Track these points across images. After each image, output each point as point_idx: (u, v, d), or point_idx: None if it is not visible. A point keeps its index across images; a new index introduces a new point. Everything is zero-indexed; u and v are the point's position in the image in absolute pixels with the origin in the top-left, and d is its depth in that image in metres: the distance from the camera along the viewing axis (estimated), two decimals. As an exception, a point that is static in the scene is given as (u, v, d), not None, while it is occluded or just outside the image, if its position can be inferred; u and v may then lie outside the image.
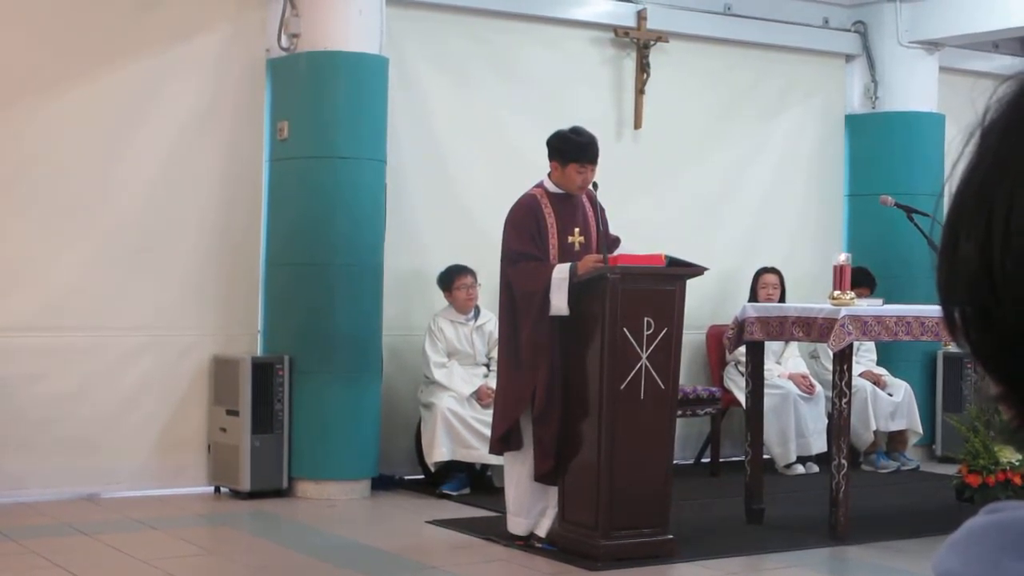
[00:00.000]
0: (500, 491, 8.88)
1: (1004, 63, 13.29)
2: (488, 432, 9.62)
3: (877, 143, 12.91)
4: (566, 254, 8.21)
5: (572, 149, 8.29)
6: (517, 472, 8.39)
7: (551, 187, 8.37)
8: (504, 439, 8.34)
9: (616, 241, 8.51)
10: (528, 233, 8.24)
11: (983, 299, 1.01)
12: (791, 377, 11.60)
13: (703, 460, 11.85)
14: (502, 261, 8.37)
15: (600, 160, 8.43)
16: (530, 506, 8.40)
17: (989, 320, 1.01)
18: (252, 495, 9.91)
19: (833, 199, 13.08)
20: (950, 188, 1.04)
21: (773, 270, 11.81)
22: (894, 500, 10.43)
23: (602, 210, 8.46)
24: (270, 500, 9.91)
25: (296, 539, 8.78)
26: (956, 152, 1.04)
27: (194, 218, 10.17)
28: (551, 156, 8.38)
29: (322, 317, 10.02)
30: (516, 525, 8.47)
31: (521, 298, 8.21)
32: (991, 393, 1.05)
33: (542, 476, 8.25)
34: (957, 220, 1.03)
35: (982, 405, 9.37)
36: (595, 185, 8.32)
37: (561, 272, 8.00)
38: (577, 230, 8.33)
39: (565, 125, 8.56)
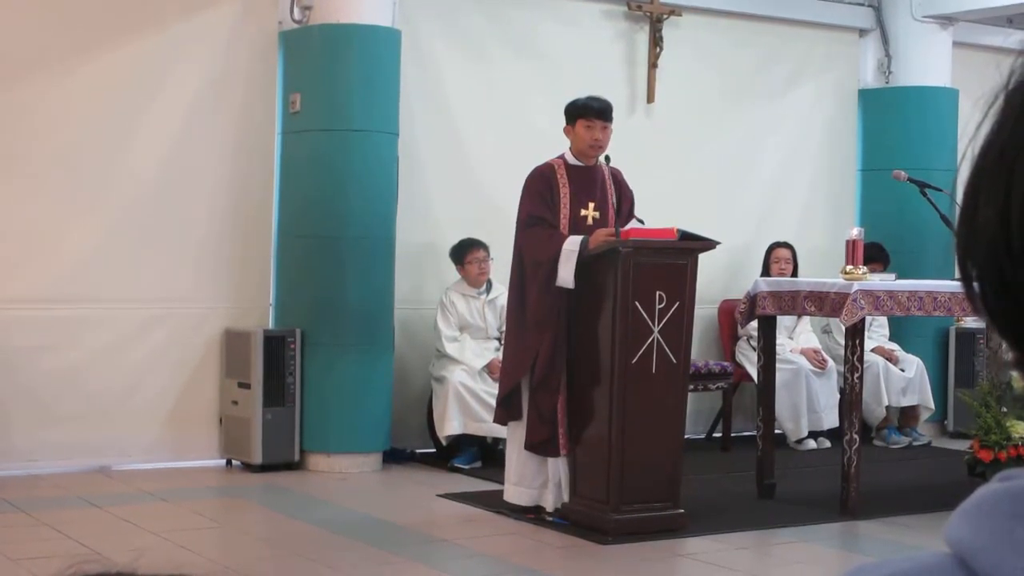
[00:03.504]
0: (511, 464, 8.90)
1: (1018, 38, 13.23)
2: (500, 406, 9.66)
3: (890, 118, 12.88)
4: (577, 226, 8.20)
5: (578, 107, 8.35)
6: (518, 442, 8.40)
7: (571, 159, 8.39)
8: (505, 406, 8.36)
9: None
10: (541, 198, 8.26)
11: (1001, 264, 1.00)
12: (803, 352, 11.60)
13: (715, 435, 11.85)
14: (516, 224, 8.38)
15: (613, 133, 8.43)
16: (532, 477, 8.41)
17: (1007, 286, 1.00)
18: (263, 468, 9.93)
19: (846, 174, 13.06)
20: (972, 151, 1.03)
21: (785, 245, 11.80)
22: (905, 476, 10.43)
23: (630, 191, 8.50)
24: (281, 473, 9.92)
25: (307, 512, 8.79)
26: (980, 115, 1.03)
27: (206, 191, 10.17)
28: (566, 121, 8.41)
29: (334, 290, 10.02)
30: (516, 495, 8.48)
31: (530, 264, 8.24)
32: (1007, 359, 1.04)
33: (534, 446, 8.26)
34: (978, 184, 1.02)
35: (994, 380, 9.36)
36: (607, 158, 8.31)
37: (572, 244, 8.00)
38: (592, 204, 8.32)
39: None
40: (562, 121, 8.48)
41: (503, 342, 8.81)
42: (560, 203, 8.26)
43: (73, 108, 9.76)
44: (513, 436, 8.49)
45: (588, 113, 8.30)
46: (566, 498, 8.32)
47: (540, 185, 8.31)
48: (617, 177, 8.51)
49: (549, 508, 8.39)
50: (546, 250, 8.11)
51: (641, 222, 8.44)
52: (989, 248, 1.00)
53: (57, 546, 7.57)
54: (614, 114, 8.55)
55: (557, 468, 8.33)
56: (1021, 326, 1.01)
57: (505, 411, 8.42)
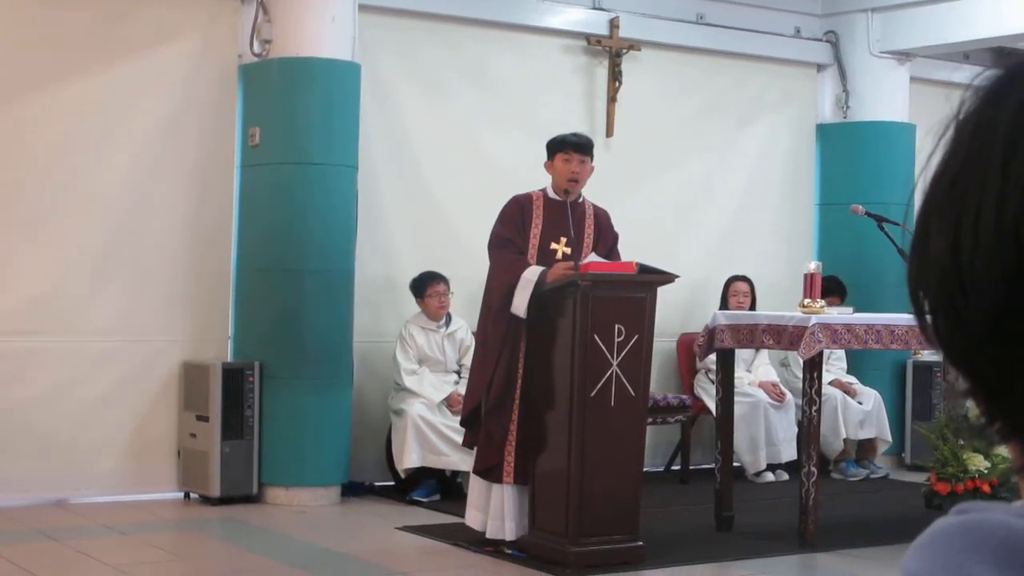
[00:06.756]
0: (470, 497, 8.88)
1: (974, 73, 13.25)
2: (458, 439, 9.66)
3: (848, 152, 12.94)
4: (546, 259, 8.24)
5: (557, 141, 8.43)
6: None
7: (550, 192, 8.46)
8: (469, 425, 8.39)
9: None
10: (512, 223, 8.33)
11: (952, 296, 1.01)
12: (761, 385, 11.62)
13: (673, 468, 11.86)
14: (488, 245, 8.41)
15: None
16: (479, 500, 8.43)
17: (958, 318, 1.02)
18: (222, 501, 9.89)
19: (804, 208, 13.11)
20: (924, 181, 1.05)
21: (744, 278, 11.83)
22: (863, 508, 10.46)
23: (613, 233, 8.54)
24: (240, 506, 9.88)
25: (266, 545, 8.76)
26: (931, 145, 1.04)
27: (166, 224, 10.15)
28: (547, 156, 8.47)
29: (293, 323, 10.00)
30: (471, 517, 8.50)
31: (492, 286, 8.28)
32: (960, 389, 1.05)
33: (483, 471, 8.28)
34: (929, 215, 1.04)
35: (951, 413, 9.41)
36: (567, 192, 8.34)
37: (531, 274, 8.04)
38: (564, 240, 8.35)
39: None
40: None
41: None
42: (530, 233, 8.30)
43: (33, 141, 9.73)
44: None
45: (565, 146, 8.37)
46: (524, 530, 8.31)
47: (514, 211, 8.39)
48: (601, 217, 8.56)
49: (489, 535, 8.37)
50: (507, 275, 8.15)
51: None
52: (940, 280, 1.02)
53: (14, 580, 7.54)
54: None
55: (503, 497, 8.31)
56: (974, 357, 1.03)
57: (469, 434, 8.46)
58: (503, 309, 8.13)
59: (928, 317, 1.05)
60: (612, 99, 11.87)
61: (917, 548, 1.03)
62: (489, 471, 8.27)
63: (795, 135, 13.06)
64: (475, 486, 8.47)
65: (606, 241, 8.53)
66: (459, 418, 8.96)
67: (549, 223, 8.36)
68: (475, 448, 8.50)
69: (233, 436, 9.92)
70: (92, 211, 9.89)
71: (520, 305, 8.04)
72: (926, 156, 1.05)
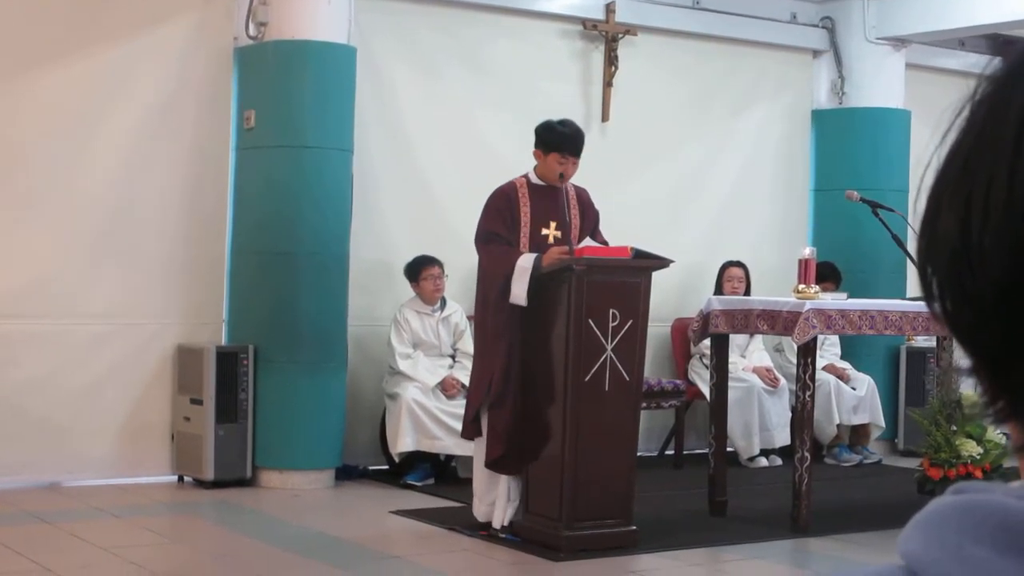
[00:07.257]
0: (464, 481, 8.90)
1: (970, 61, 13.33)
2: (452, 423, 9.68)
3: (843, 138, 12.94)
4: (538, 245, 8.22)
5: (555, 139, 8.32)
6: (480, 458, 8.45)
7: (534, 178, 8.42)
8: (475, 422, 8.38)
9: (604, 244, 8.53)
10: (500, 216, 8.29)
11: (960, 273, 1.01)
12: (755, 370, 11.63)
13: (667, 452, 11.87)
14: (475, 241, 8.38)
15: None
16: (485, 493, 8.43)
17: (966, 295, 1.01)
18: (216, 484, 9.89)
19: (799, 193, 13.11)
20: (938, 159, 1.05)
21: (738, 264, 11.84)
22: (856, 493, 10.47)
23: (595, 211, 8.53)
24: (234, 489, 9.89)
25: (260, 529, 8.76)
26: (945, 124, 1.04)
27: (160, 207, 10.14)
28: (536, 144, 8.41)
29: (287, 307, 10.00)
30: (477, 509, 8.51)
31: (487, 280, 8.27)
32: (964, 367, 1.05)
33: (492, 463, 8.27)
34: (940, 192, 1.04)
35: (944, 398, 9.42)
36: (561, 176, 8.33)
37: (526, 261, 8.02)
38: (554, 224, 8.33)
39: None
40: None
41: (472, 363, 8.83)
42: (520, 222, 8.28)
43: (26, 123, 9.71)
44: (477, 451, 8.51)
45: (564, 149, 8.30)
46: (518, 515, 8.32)
47: (500, 203, 8.34)
48: (583, 197, 8.54)
49: (496, 524, 8.38)
50: (501, 265, 8.13)
51: (605, 244, 8.47)
52: (949, 256, 1.02)
53: (7, 562, 7.52)
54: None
55: (507, 484, 8.33)
56: (980, 335, 1.02)
57: (473, 427, 8.45)
58: (500, 300, 8.11)
59: (935, 289, 1.05)
60: (608, 84, 11.86)
61: (914, 527, 1.03)
62: (499, 464, 8.26)
63: (790, 121, 13.05)
64: (479, 478, 8.47)
65: (589, 219, 8.53)
66: (458, 408, 8.94)
67: (537, 209, 8.34)
68: (474, 440, 8.50)
69: (227, 419, 9.92)
70: (86, 193, 9.88)
71: (519, 295, 8.02)
72: (940, 136, 1.05)
